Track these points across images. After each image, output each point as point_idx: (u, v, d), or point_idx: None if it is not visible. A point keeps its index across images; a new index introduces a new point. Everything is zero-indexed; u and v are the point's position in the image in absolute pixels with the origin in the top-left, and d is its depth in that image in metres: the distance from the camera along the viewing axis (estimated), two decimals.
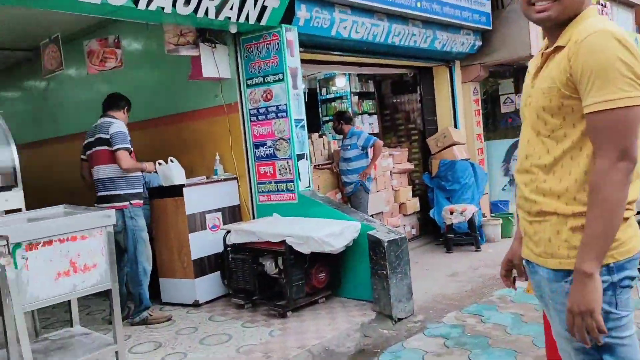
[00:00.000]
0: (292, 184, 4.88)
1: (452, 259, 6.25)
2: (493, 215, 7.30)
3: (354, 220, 4.40)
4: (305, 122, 5.01)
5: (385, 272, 4.11)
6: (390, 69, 7.32)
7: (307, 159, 4.96)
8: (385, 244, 4.11)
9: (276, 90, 4.92)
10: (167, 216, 4.79)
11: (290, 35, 4.93)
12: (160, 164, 4.74)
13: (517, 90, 8.77)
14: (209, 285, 4.81)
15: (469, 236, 6.66)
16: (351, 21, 5.60)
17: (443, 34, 6.83)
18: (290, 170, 4.87)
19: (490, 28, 7.39)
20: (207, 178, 5.04)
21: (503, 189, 8.34)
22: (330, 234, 4.06)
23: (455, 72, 7.69)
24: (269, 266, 4.33)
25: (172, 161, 4.73)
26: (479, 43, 7.51)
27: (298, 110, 4.94)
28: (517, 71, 8.93)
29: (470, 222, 6.55)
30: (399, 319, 4.16)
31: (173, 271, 4.83)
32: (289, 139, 4.86)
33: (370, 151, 6.08)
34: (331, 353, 3.62)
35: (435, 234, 7.29)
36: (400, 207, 7.02)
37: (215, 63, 5.00)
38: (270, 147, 4.98)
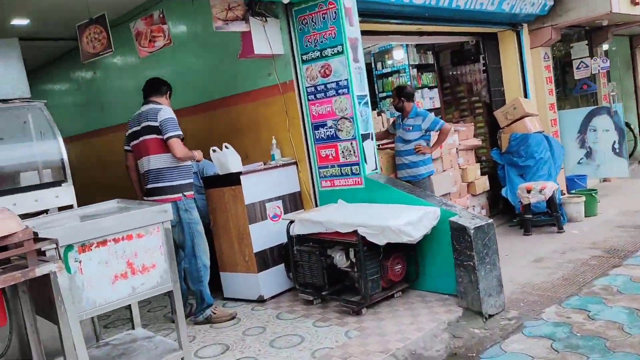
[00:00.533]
0: (357, 167, 4.43)
1: (533, 242, 5.67)
2: (573, 192, 6.63)
3: (432, 205, 3.91)
4: (368, 99, 4.53)
5: (472, 263, 3.63)
6: (452, 37, 6.71)
7: (372, 139, 4.49)
8: (472, 232, 3.61)
9: (335, 64, 4.46)
10: (225, 206, 4.44)
11: (349, 2, 4.43)
12: (214, 150, 4.39)
13: (592, 53, 7.97)
14: (273, 280, 4.45)
15: (549, 216, 6.05)
16: None
17: None
18: (355, 152, 4.42)
19: None
20: (265, 164, 4.65)
21: (579, 163, 7.62)
22: (408, 222, 3.59)
23: (523, 36, 7.00)
24: (339, 259, 3.92)
25: (227, 147, 4.36)
26: (550, 2, 6.79)
27: (360, 86, 4.46)
28: (589, 32, 8.13)
29: (550, 200, 5.93)
30: (490, 316, 3.68)
31: (234, 265, 4.49)
32: (352, 118, 4.40)
33: (434, 134, 5.51)
34: (419, 358, 3.18)
35: (508, 214, 6.70)
36: (469, 187, 6.45)
37: (267, 38, 4.58)
38: (331, 127, 4.53)
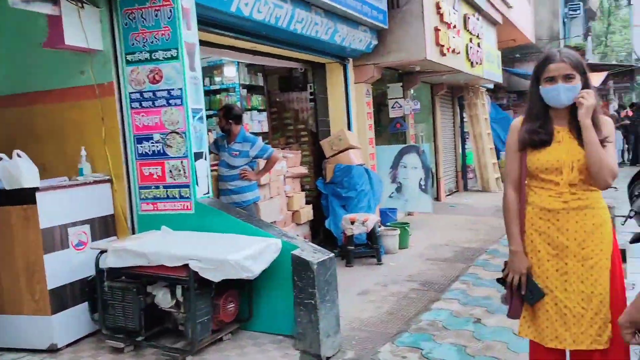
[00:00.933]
0: (187, 189, 3.87)
1: (356, 274, 5.68)
2: (388, 225, 6.92)
3: (272, 236, 3.55)
4: (204, 113, 4.04)
5: (313, 302, 3.34)
6: (283, 61, 6.56)
7: (206, 159, 3.99)
8: (315, 267, 3.33)
9: (168, 70, 3.89)
10: (10, 231, 3.48)
11: (187, 2, 3.93)
12: (0, 158, 3.43)
13: (404, 95, 8.59)
14: (72, 323, 3.59)
15: (370, 248, 6.17)
16: None
17: (343, 27, 6.29)
18: (185, 172, 3.86)
19: (387, 27, 7.04)
20: (70, 179, 3.81)
21: (390, 197, 8.05)
22: (249, 255, 3.17)
23: (349, 70, 7.20)
24: (163, 297, 3.30)
25: (19, 156, 3.45)
26: (375, 42, 7.12)
27: (196, 98, 3.95)
28: (402, 75, 8.78)
29: (371, 232, 6.05)
30: (328, 358, 3.42)
31: (17, 305, 3.52)
32: (184, 133, 3.86)
33: (261, 161, 5.22)
34: None
35: (329, 245, 6.67)
36: (294, 216, 6.29)
37: (83, 28, 3.82)
38: (158, 142, 3.91)
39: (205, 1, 4.26)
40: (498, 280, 2.52)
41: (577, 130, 2.31)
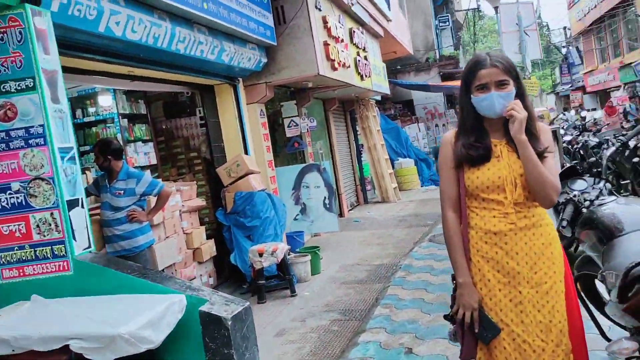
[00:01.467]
0: (61, 246, 3.17)
1: (270, 311, 5.20)
2: (298, 251, 6.52)
3: (174, 291, 2.98)
4: (76, 152, 3.37)
5: None
6: (167, 85, 5.95)
7: (83, 206, 3.32)
8: (229, 323, 2.83)
9: (23, 103, 3.18)
10: None
11: (42, 22, 3.27)
12: None
13: (299, 113, 8.30)
14: None
15: (281, 279, 5.72)
16: (125, 15, 4.19)
17: (230, 46, 5.85)
18: (57, 225, 3.16)
19: (275, 44, 6.71)
20: None
21: (295, 219, 7.69)
22: (147, 323, 2.59)
23: (240, 91, 6.75)
24: None
25: None
26: (264, 60, 6.75)
27: (64, 135, 3.27)
28: (294, 93, 8.49)
29: (282, 262, 5.62)
30: None
31: None
32: (52, 179, 3.17)
33: (151, 198, 4.62)
34: None
35: (237, 279, 6.15)
36: (194, 254, 5.68)
37: None
38: (18, 192, 3.18)
39: (67, 21, 3.63)
40: (446, 317, 2.21)
41: (514, 142, 2.07)
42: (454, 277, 2.17)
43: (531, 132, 2.04)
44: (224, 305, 2.98)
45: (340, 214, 10.17)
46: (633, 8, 22.13)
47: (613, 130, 7.32)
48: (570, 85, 34.67)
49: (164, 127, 6.92)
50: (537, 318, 2.03)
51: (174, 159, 6.80)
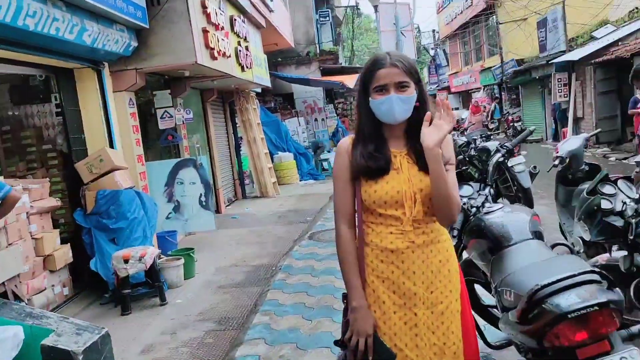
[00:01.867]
0: None
1: (136, 324, 4.68)
2: (170, 253, 6.01)
3: (9, 322, 2.44)
4: None
5: None
6: (15, 66, 5.11)
7: None
8: (80, 358, 2.37)
9: None
10: None
11: None
12: None
13: (174, 104, 7.71)
14: None
15: (151, 287, 5.21)
16: None
17: (93, 25, 5.19)
18: None
19: (147, 26, 6.12)
20: None
21: (168, 218, 7.15)
22: None
23: (105, 77, 6.05)
24: None
25: None
26: (134, 44, 6.12)
27: None
28: (168, 82, 7.88)
29: (151, 268, 5.11)
30: None
31: None
32: None
33: None
34: None
35: (97, 288, 5.50)
36: (45, 262, 4.96)
37: None
38: None
39: None
40: (337, 342, 2.00)
41: (415, 153, 1.90)
42: (345, 297, 1.97)
43: None
44: (74, 335, 2.50)
45: (218, 210, 9.73)
46: (494, 16, 24.09)
47: (480, 130, 7.73)
48: (437, 85, 37.10)
49: (10, 114, 5.99)
50: (432, 340, 1.90)
51: (22, 152, 5.90)
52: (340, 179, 1.95)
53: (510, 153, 3.86)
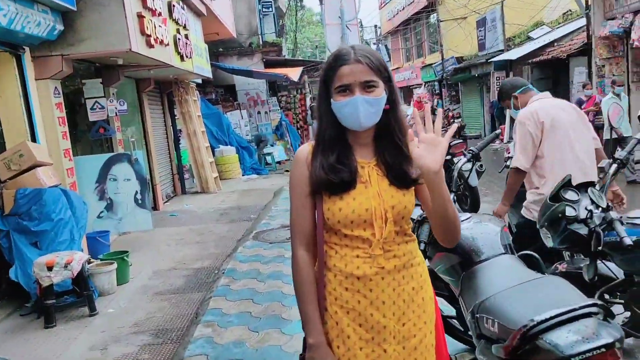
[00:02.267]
0: None
1: (60, 339, 4.20)
2: (101, 257, 5.51)
3: None
4: None
5: None
6: None
7: None
8: None
9: None
10: None
11: None
12: None
13: (106, 94, 7.14)
14: None
15: (78, 295, 4.73)
16: None
17: (10, 4, 4.63)
18: None
19: (74, 9, 5.56)
20: None
21: (99, 217, 6.61)
22: None
23: (25, 63, 5.45)
24: None
25: None
26: (60, 27, 5.56)
27: None
28: (100, 70, 7.29)
29: (79, 275, 4.62)
30: None
31: None
32: None
33: None
34: None
35: (17, 297, 4.95)
36: None
37: None
38: None
39: None
40: None
41: (385, 164, 1.64)
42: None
43: (403, 152, 1.63)
44: None
45: (155, 207, 9.21)
46: (435, 14, 24.45)
47: None
48: None
49: None
50: None
51: None
52: (297, 193, 1.66)
53: (476, 157, 3.70)
